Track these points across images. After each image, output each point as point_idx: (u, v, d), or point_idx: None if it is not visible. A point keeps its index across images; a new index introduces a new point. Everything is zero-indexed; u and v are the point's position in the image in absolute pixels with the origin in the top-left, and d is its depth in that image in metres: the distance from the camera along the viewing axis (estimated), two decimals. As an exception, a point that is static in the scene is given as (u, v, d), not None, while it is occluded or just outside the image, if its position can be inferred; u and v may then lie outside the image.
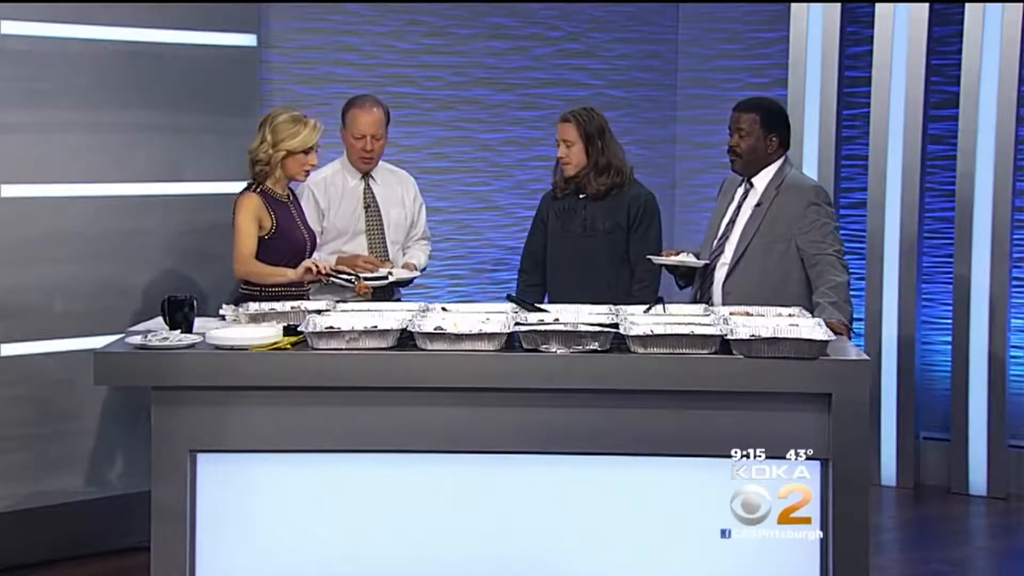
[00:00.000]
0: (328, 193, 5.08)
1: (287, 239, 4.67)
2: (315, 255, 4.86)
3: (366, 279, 4.78)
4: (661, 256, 4.87)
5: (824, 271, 4.53)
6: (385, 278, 4.84)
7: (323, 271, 4.62)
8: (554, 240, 5.25)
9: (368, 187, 5.13)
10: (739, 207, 4.77)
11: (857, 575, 3.76)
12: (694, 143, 6.72)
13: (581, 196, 5.19)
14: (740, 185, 4.80)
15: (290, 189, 4.79)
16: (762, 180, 4.74)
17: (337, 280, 4.69)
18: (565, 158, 5.16)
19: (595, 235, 5.15)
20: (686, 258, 4.79)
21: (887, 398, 6.17)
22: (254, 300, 4.47)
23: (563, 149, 5.16)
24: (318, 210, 5.06)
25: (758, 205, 4.70)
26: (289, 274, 4.61)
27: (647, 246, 5.07)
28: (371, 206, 5.13)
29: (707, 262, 4.78)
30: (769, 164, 4.74)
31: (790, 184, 4.70)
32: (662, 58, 6.85)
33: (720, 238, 4.79)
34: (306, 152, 4.67)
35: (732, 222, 4.76)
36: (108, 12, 5.09)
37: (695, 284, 4.85)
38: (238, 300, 4.52)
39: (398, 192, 5.21)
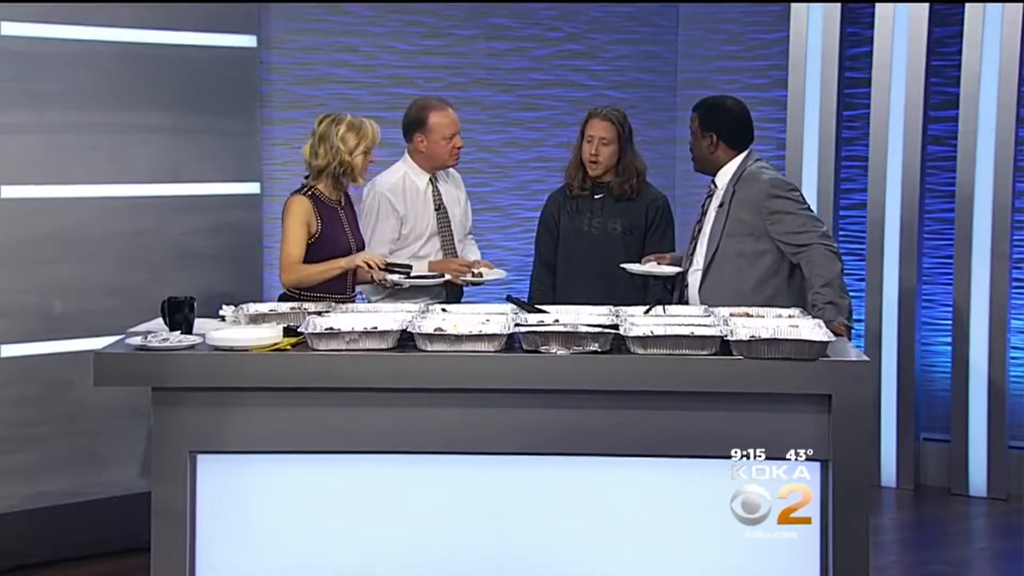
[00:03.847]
0: (406, 198, 5.06)
1: (331, 245, 4.60)
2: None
3: (464, 280, 4.91)
4: (636, 264, 4.83)
5: (814, 263, 4.42)
6: (480, 275, 4.95)
7: (376, 265, 4.54)
8: (566, 241, 5.21)
9: (436, 189, 5.14)
10: (705, 210, 4.72)
11: (857, 576, 3.77)
12: (694, 144, 6.71)
13: (597, 196, 5.17)
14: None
15: (345, 194, 4.74)
16: (722, 179, 4.67)
17: (394, 272, 4.63)
18: (596, 156, 5.10)
19: (612, 237, 5.12)
20: (654, 268, 4.77)
21: (887, 399, 6.17)
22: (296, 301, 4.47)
23: (596, 147, 5.09)
24: (397, 217, 5.04)
25: (720, 206, 4.63)
26: (341, 262, 4.54)
27: (664, 249, 5.05)
28: (440, 207, 5.14)
29: (680, 269, 4.73)
30: (719, 163, 4.66)
31: (747, 178, 4.60)
32: (662, 59, 6.85)
33: (691, 243, 4.75)
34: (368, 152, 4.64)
35: (700, 226, 4.72)
36: (108, 13, 5.09)
37: (676, 291, 4.80)
38: (283, 299, 4.57)
39: (454, 191, 5.23)
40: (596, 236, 5.14)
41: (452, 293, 5.09)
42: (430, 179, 5.12)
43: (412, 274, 4.72)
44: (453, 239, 5.17)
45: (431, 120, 5.05)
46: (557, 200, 5.28)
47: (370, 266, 4.55)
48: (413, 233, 5.08)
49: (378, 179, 5.08)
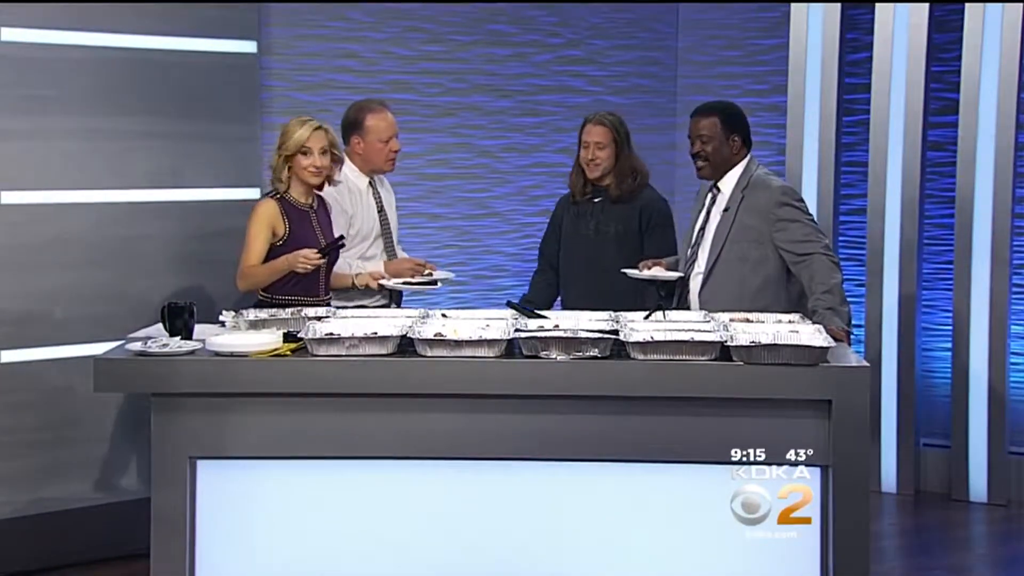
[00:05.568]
0: (352, 198, 5.05)
1: (299, 247, 4.51)
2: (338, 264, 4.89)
3: (411, 281, 4.91)
4: (636, 270, 4.84)
5: (815, 272, 4.44)
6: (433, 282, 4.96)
7: (309, 257, 4.47)
8: (567, 242, 5.31)
9: (376, 191, 5.14)
10: (708, 213, 4.72)
11: (858, 582, 3.77)
12: (694, 150, 6.70)
13: (596, 200, 5.23)
14: (709, 191, 4.75)
15: (318, 196, 4.72)
16: (728, 183, 4.68)
17: (330, 253, 4.63)
18: (595, 160, 5.17)
19: (606, 239, 5.17)
20: (658, 272, 4.77)
21: (887, 405, 6.16)
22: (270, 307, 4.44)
23: (593, 151, 5.17)
24: (346, 216, 5.01)
25: (726, 210, 4.63)
26: (281, 263, 4.46)
27: (665, 251, 5.07)
28: (382, 210, 5.14)
29: (681, 275, 4.73)
30: (733, 166, 4.68)
31: (756, 184, 4.62)
32: (662, 65, 6.86)
33: (692, 247, 4.75)
34: (304, 153, 4.57)
35: (703, 229, 4.72)
36: (108, 19, 5.09)
37: (676, 294, 4.80)
38: (257, 305, 4.52)
39: (388, 196, 5.24)
40: (592, 238, 5.20)
41: (393, 294, 5.09)
42: (370, 182, 5.12)
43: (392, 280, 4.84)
44: (393, 242, 5.17)
45: (367, 122, 5.04)
46: (563, 204, 5.39)
47: (307, 262, 4.47)
48: (360, 234, 5.06)
49: None
